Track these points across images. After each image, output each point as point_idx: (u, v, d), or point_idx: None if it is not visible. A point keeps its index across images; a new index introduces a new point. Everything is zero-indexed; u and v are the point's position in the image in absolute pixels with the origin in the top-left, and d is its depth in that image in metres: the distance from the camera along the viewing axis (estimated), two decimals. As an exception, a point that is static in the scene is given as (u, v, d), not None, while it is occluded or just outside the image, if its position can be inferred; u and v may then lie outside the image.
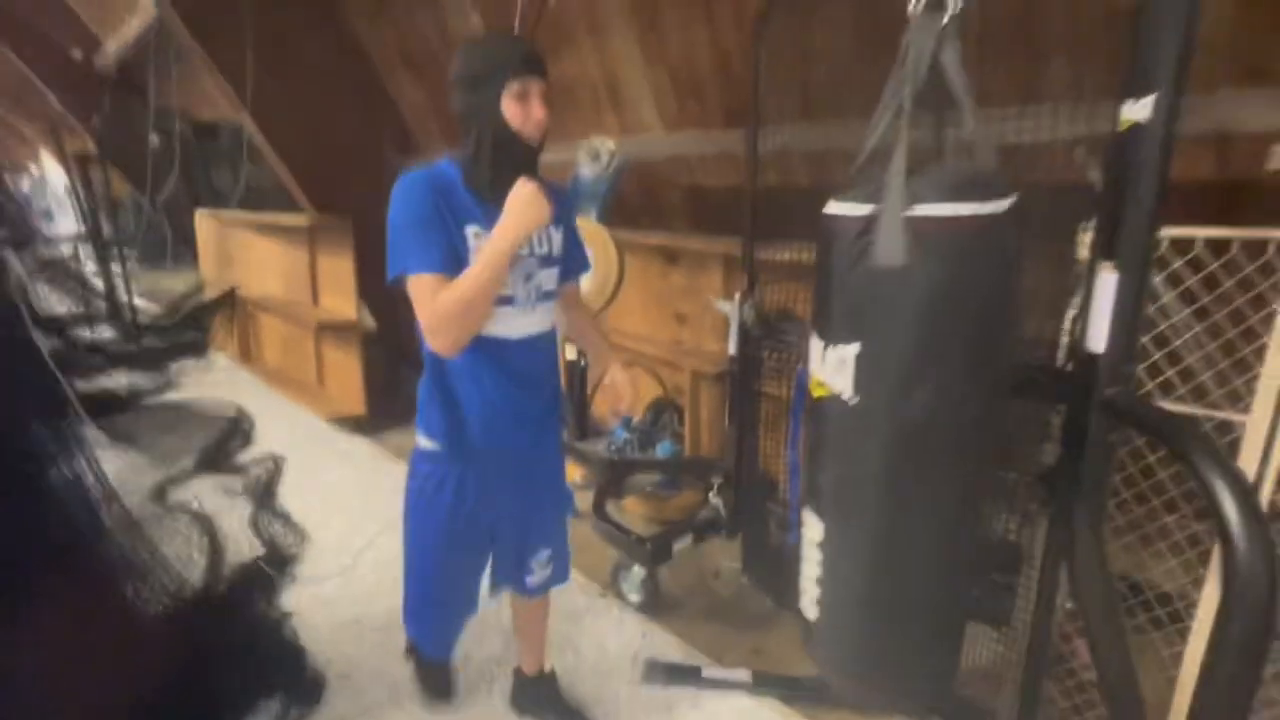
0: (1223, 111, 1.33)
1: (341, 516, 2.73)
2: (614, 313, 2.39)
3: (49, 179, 10.93)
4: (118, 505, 1.96)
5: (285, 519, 2.66)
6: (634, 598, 2.08)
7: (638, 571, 2.05)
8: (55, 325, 4.51)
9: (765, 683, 1.71)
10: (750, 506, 2.17)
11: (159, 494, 2.91)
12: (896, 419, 0.98)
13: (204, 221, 5.43)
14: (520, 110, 1.13)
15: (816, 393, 1.11)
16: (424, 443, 1.31)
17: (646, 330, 3.11)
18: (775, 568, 2.16)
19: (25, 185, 11.31)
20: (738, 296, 1.91)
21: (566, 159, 2.74)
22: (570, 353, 2.61)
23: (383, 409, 3.62)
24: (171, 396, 4.31)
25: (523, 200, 1.11)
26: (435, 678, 1.73)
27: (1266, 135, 1.26)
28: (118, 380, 4.56)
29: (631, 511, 2.62)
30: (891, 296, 0.95)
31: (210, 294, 5.32)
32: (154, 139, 5.93)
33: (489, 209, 1.16)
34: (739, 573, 2.23)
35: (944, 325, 0.93)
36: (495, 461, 1.30)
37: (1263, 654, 0.73)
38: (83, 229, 6.82)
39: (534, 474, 1.38)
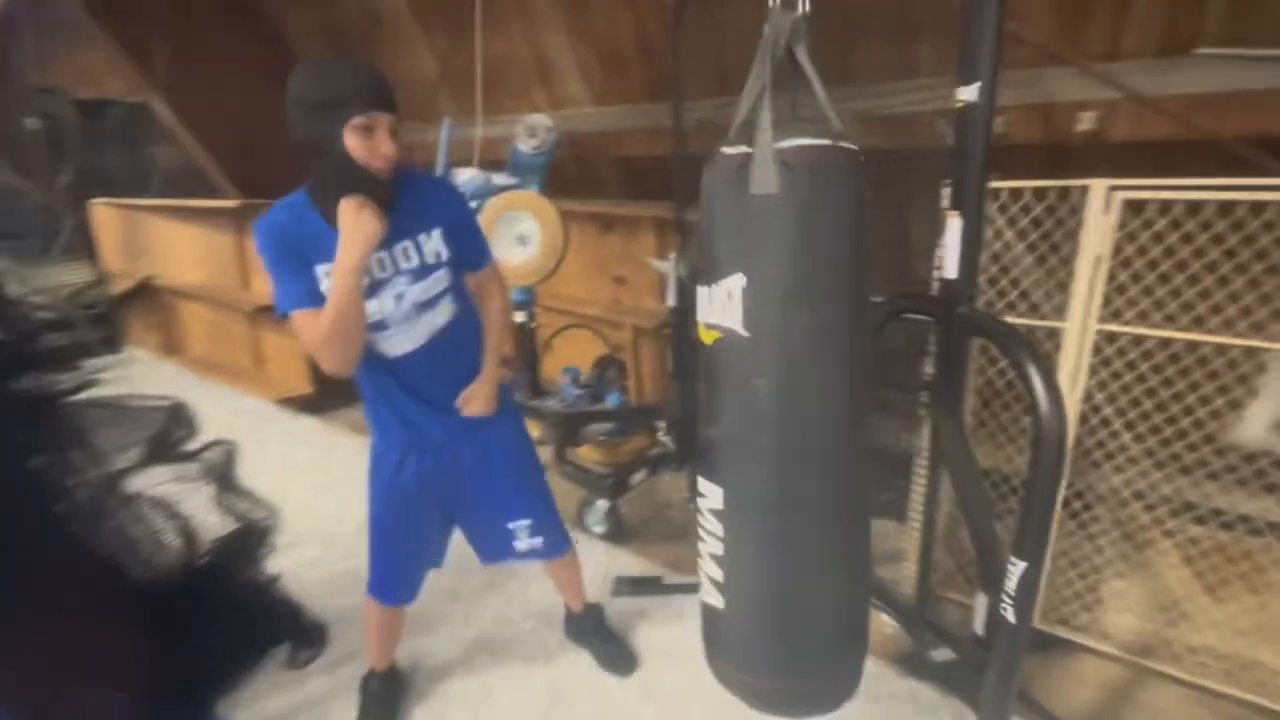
0: (1048, 87, 1.67)
1: (308, 489, 2.83)
2: (556, 279, 2.59)
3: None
4: (75, 497, 2.02)
5: (251, 496, 2.74)
6: (598, 529, 2.34)
7: (601, 505, 2.31)
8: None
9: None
10: (693, 442, 2.47)
11: (109, 487, 2.89)
12: (785, 347, 0.98)
13: (103, 211, 5.11)
14: (365, 145, 1.10)
15: (707, 339, 1.07)
16: (373, 439, 1.45)
17: (587, 293, 3.32)
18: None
19: None
20: (673, 255, 2.16)
21: (502, 134, 2.88)
22: (519, 315, 2.79)
23: (330, 385, 3.67)
24: (94, 394, 4.15)
25: (349, 222, 1.12)
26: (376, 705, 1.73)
27: (1077, 104, 1.61)
28: (29, 382, 4.33)
29: (588, 459, 2.86)
30: (769, 223, 0.96)
31: (119, 286, 5.06)
32: (32, 121, 5.47)
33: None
34: (688, 502, 2.53)
35: (815, 248, 0.97)
36: (429, 447, 1.41)
37: (1059, 472, 1.06)
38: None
39: (482, 453, 1.46)
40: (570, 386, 2.96)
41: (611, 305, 3.24)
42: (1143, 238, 1.43)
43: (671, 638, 1.88)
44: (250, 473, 3.02)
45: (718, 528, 1.07)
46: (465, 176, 2.55)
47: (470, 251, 1.36)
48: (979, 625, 1.57)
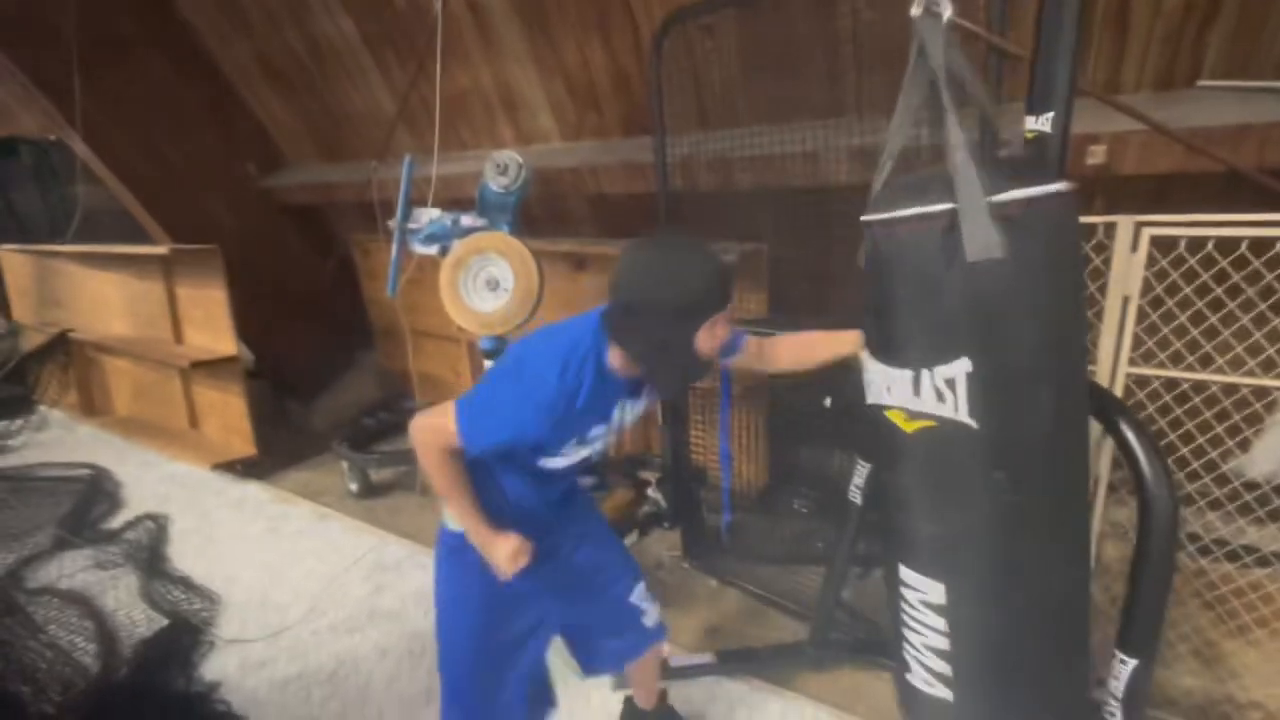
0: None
1: (254, 570, 2.51)
2: (532, 320, 2.40)
3: None
4: None
5: (185, 583, 2.40)
6: (589, 600, 2.12)
7: (591, 574, 2.09)
8: None
9: (729, 660, 1.82)
10: (687, 497, 2.30)
11: (15, 579, 2.49)
12: (1025, 435, 0.90)
13: (12, 258, 4.65)
14: (712, 337, 1.04)
15: (908, 427, 0.99)
16: (452, 524, 1.21)
17: (559, 337, 3.13)
18: (713, 550, 2.30)
19: None
20: (662, 299, 2.01)
21: (462, 171, 2.70)
22: (488, 364, 2.58)
23: (274, 446, 3.34)
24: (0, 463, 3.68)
25: (502, 558, 1.08)
26: None
27: (1087, 137, 1.55)
28: (-81, 453, 3.81)
29: (569, 517, 2.65)
30: (1000, 295, 0.86)
31: (32, 341, 4.58)
32: (-71, 163, 4.98)
33: (627, 396, 1.13)
34: (680, 560, 2.34)
35: (1056, 318, 0.88)
36: (539, 534, 1.19)
37: (1173, 554, 0.93)
38: None
39: (580, 528, 1.31)
40: (546, 438, 2.76)
41: (586, 348, 3.06)
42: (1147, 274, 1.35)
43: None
44: (184, 553, 2.67)
45: (939, 623, 1.04)
46: (428, 217, 2.35)
47: (732, 346, 1.27)
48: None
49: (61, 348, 4.26)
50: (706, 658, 1.84)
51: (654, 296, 0.97)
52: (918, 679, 1.12)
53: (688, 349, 1.02)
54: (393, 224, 2.41)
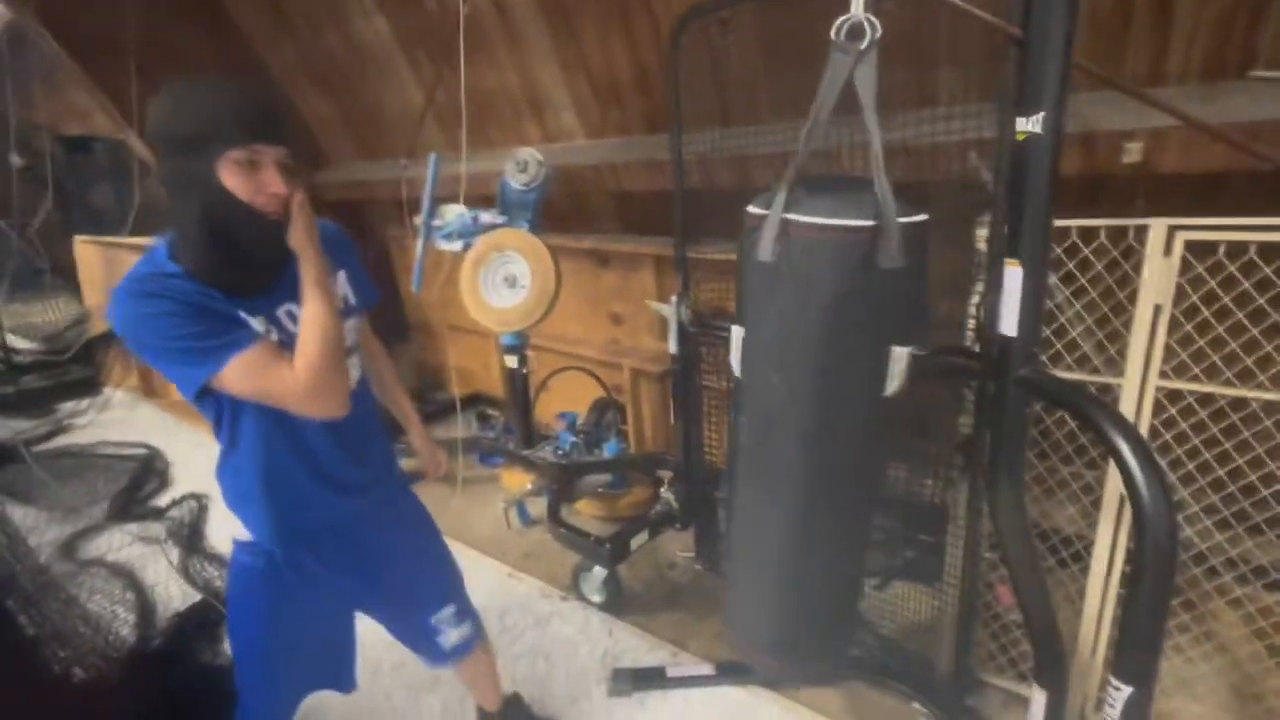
0: (1086, 113, 1.52)
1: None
2: (550, 317, 2.42)
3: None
4: (30, 566, 1.82)
5: (220, 561, 2.52)
6: (596, 598, 2.13)
7: (598, 572, 2.10)
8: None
9: (727, 671, 1.80)
10: (700, 497, 2.27)
11: (69, 550, 2.68)
12: (762, 398, 1.24)
13: (85, 249, 4.97)
14: (248, 183, 0.91)
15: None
16: (241, 533, 1.13)
17: (582, 332, 3.15)
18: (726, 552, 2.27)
19: None
20: (674, 298, 1.99)
21: (490, 169, 2.74)
22: (511, 361, 2.61)
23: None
24: (65, 441, 3.95)
25: (300, 217, 0.96)
26: None
27: (1121, 133, 1.45)
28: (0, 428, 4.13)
29: (584, 513, 2.66)
30: (765, 289, 1.16)
31: (101, 326, 4.89)
32: (15, 159, 5.37)
33: (234, 302, 0.96)
34: (693, 561, 2.32)
35: (796, 321, 1.14)
36: (328, 537, 1.15)
37: (1172, 575, 0.87)
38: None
39: (388, 538, 1.24)
40: (566, 433, 2.77)
41: (608, 345, 3.06)
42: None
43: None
44: (221, 532, 2.81)
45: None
46: (452, 214, 2.39)
47: (367, 294, 1.21)
48: (1034, 726, 1.35)
49: (125, 334, 4.53)
50: (708, 668, 1.82)
51: (155, 127, 0.91)
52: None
53: (210, 185, 0.89)
54: (419, 220, 2.47)
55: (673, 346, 2.02)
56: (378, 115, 3.34)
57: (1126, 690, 0.90)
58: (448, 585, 1.38)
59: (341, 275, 1.14)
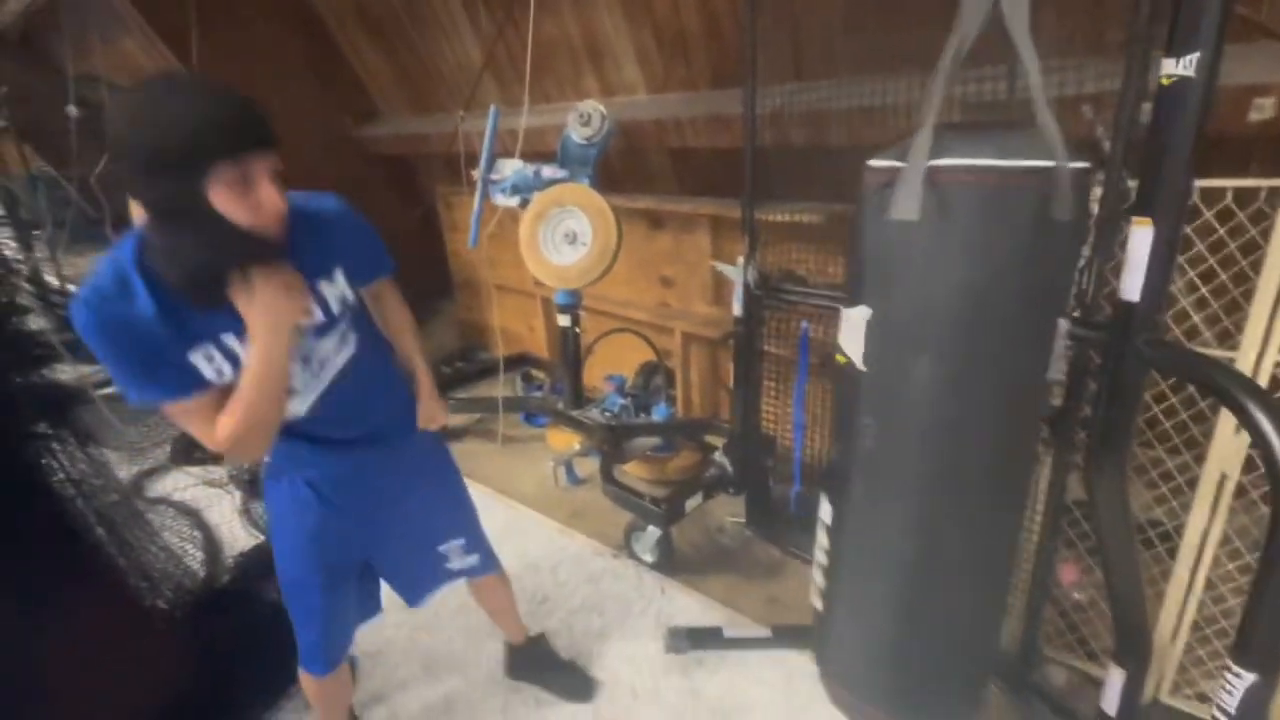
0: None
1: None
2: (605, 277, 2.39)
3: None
4: (106, 501, 1.88)
5: (279, 505, 2.60)
6: (648, 557, 2.14)
7: (652, 532, 2.10)
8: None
9: (784, 635, 1.79)
10: (753, 464, 2.25)
11: (137, 488, 2.79)
12: (893, 397, 1.02)
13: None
14: (243, 203, 0.82)
15: (840, 359, 1.10)
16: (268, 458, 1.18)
17: (632, 295, 3.11)
18: (778, 520, 2.26)
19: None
20: (741, 258, 1.94)
21: (547, 123, 2.68)
22: (563, 320, 2.60)
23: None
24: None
25: (269, 304, 0.87)
26: None
27: (1252, 88, 1.34)
28: (64, 372, 4.28)
29: (633, 475, 2.66)
30: (903, 256, 0.94)
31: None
32: (73, 110, 5.45)
33: (205, 322, 0.90)
34: (743, 526, 2.31)
35: (951, 293, 0.93)
36: (340, 486, 1.19)
37: None
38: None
39: (402, 480, 1.28)
40: (615, 395, 2.76)
41: (659, 308, 3.02)
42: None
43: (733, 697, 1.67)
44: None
45: (826, 542, 1.25)
46: (511, 168, 2.35)
47: (372, 264, 1.19)
48: (1110, 703, 1.32)
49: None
50: (764, 631, 1.82)
51: (119, 145, 0.77)
52: (813, 593, 1.29)
53: (199, 212, 0.79)
54: (476, 175, 2.44)
55: (737, 309, 1.98)
56: (432, 68, 3.30)
57: (1249, 678, 0.85)
58: (461, 523, 1.44)
59: (338, 275, 1.07)
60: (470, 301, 4.14)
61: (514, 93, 2.99)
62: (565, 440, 2.79)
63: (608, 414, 2.69)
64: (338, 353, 1.09)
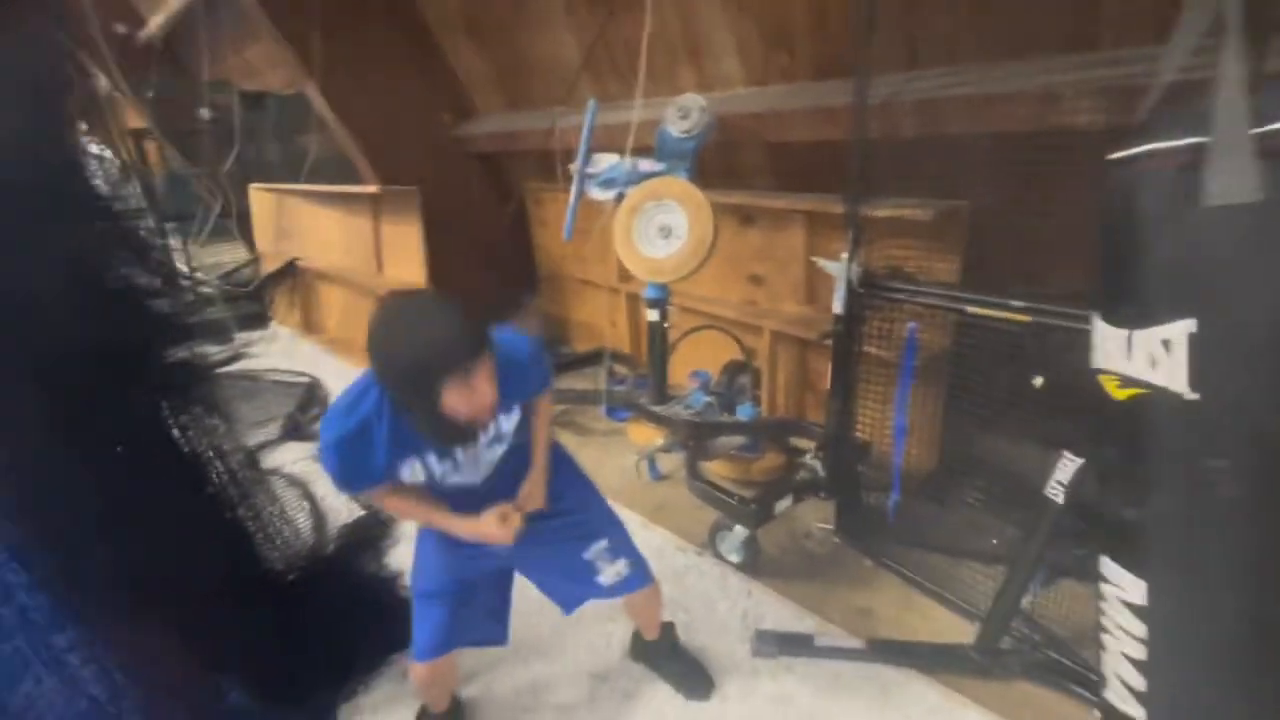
0: None
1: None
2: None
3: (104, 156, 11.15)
4: (228, 465, 2.03)
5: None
6: (734, 558, 2.10)
7: (739, 532, 2.06)
8: (133, 296, 4.66)
9: (880, 650, 1.71)
10: (847, 469, 2.17)
11: (251, 460, 3.00)
12: (1254, 424, 0.77)
13: (259, 195, 5.48)
14: (466, 400, 1.04)
15: (1118, 394, 0.88)
16: None
17: (719, 292, 3.08)
18: (871, 529, 2.16)
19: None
20: (843, 256, 1.87)
21: (642, 117, 2.68)
22: (652, 314, 2.59)
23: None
24: (241, 367, 4.43)
25: (488, 534, 1.24)
26: None
27: None
28: (189, 351, 4.71)
29: (717, 474, 2.63)
30: (1245, 246, 0.74)
31: (268, 267, 5.41)
32: (204, 112, 5.96)
33: (427, 445, 1.18)
34: (832, 534, 2.23)
35: None
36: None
37: None
38: (141, 204, 6.95)
39: (554, 499, 1.41)
40: (699, 392, 2.73)
41: (746, 306, 2.97)
42: None
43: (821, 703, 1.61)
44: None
45: (1137, 627, 0.92)
46: (607, 163, 2.37)
47: (539, 386, 1.33)
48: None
49: (290, 273, 4.99)
50: (857, 643, 1.74)
51: (384, 361, 1.03)
52: (1113, 693, 1.00)
53: (434, 411, 1.03)
54: (573, 168, 2.48)
55: (837, 307, 1.91)
56: (528, 65, 3.38)
57: None
58: (596, 523, 1.46)
59: (515, 410, 1.27)
60: (554, 296, 4.22)
61: (609, 88, 3.02)
62: (647, 435, 2.79)
63: (692, 410, 2.66)
64: (495, 453, 1.30)
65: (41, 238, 1.35)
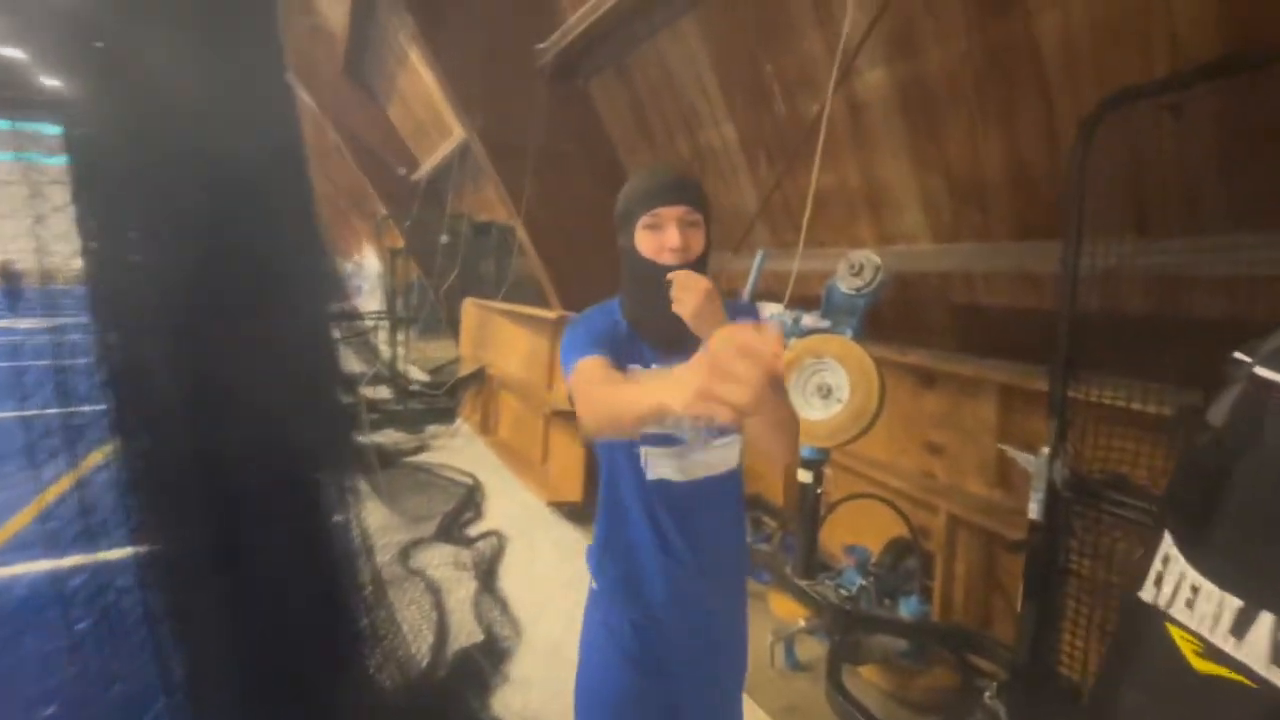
0: None
1: (552, 612, 2.70)
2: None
3: (366, 265, 13.91)
4: (373, 561, 2.12)
5: (503, 606, 2.72)
6: (876, 808, 1.66)
7: (885, 776, 1.64)
8: (349, 382, 5.48)
9: None
10: (1041, 714, 1.66)
11: (404, 556, 3.20)
12: None
13: (469, 308, 6.29)
14: (653, 241, 1.07)
15: (1197, 664, 0.74)
16: (594, 584, 1.22)
17: (889, 458, 2.74)
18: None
19: (348, 267, 14.49)
20: (1045, 449, 1.53)
21: (813, 269, 2.60)
22: (805, 476, 2.35)
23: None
24: (422, 458, 4.90)
25: (722, 358, 0.65)
26: None
27: None
28: (385, 437, 5.35)
29: (868, 682, 2.20)
30: None
31: (464, 369, 6.09)
32: (444, 238, 7.18)
33: (652, 352, 1.12)
34: (1018, 804, 1.69)
35: None
36: (677, 619, 1.16)
37: None
38: (384, 307, 8.41)
39: (720, 642, 1.22)
40: (854, 571, 2.37)
41: (920, 478, 2.59)
42: None
43: None
44: (510, 573, 3.07)
45: None
46: (769, 312, 2.30)
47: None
48: None
49: (479, 378, 5.53)
50: None
51: (615, 212, 1.11)
52: None
53: (630, 249, 1.08)
54: (735, 314, 2.44)
55: (1034, 512, 1.55)
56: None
57: None
58: (735, 708, 1.30)
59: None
60: (711, 429, 4.12)
61: (783, 237, 3.01)
62: (790, 610, 2.46)
63: (844, 592, 2.30)
64: (726, 445, 1.15)
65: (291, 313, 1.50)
